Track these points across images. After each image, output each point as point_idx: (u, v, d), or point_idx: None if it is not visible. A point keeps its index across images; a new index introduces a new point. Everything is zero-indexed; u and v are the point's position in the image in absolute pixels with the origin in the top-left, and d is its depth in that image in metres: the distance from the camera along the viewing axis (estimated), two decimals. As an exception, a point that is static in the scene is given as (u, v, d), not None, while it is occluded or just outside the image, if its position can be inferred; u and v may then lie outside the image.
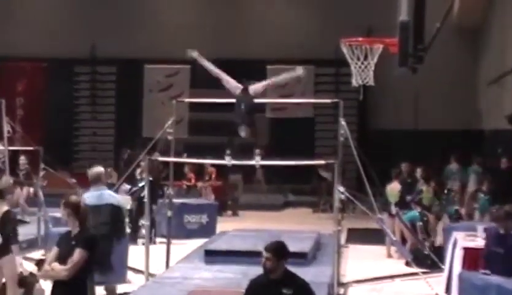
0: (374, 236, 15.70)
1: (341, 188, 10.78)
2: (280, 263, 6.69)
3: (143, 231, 13.32)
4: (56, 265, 6.84)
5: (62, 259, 6.87)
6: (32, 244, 14.46)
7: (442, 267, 12.20)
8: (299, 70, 11.01)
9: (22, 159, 18.04)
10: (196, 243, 14.96)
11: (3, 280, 9.18)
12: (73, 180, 15.96)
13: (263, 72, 20.72)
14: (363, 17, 23.27)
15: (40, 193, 14.98)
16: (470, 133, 24.21)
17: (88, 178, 9.92)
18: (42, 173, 15.46)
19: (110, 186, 13.17)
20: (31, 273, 9.53)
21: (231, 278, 11.08)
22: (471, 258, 10.50)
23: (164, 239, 13.24)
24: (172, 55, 25.65)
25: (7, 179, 11.52)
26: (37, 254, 12.71)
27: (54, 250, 7.04)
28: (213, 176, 21.02)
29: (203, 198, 19.80)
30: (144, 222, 12.75)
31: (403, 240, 14.59)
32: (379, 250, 15.22)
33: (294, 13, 26.42)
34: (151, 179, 12.31)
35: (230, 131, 10.84)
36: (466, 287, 9.46)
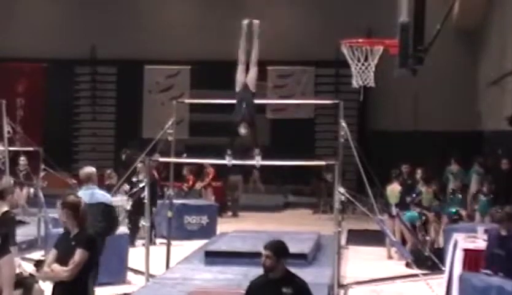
0: (374, 238, 15.69)
1: (341, 190, 10.78)
2: (280, 262, 6.66)
3: (143, 232, 13.32)
4: (56, 267, 6.78)
5: (62, 260, 6.81)
6: (32, 245, 14.47)
7: (443, 268, 12.18)
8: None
9: (22, 160, 18.04)
10: (196, 244, 14.96)
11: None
12: (74, 181, 15.92)
13: (264, 73, 20.68)
14: (363, 18, 23.28)
15: (40, 194, 14.97)
16: (470, 134, 24.17)
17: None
18: (42, 174, 15.47)
19: (110, 187, 13.18)
20: (30, 274, 9.51)
21: (231, 279, 11.09)
22: (472, 259, 10.48)
23: (165, 240, 13.24)
24: (173, 56, 25.73)
25: (8, 180, 11.51)
26: (37, 255, 12.69)
27: (53, 252, 6.96)
28: (211, 176, 20.92)
29: (203, 199, 19.79)
30: (144, 223, 12.74)
31: (403, 241, 14.58)
32: (379, 251, 15.21)
33: (295, 14, 26.36)
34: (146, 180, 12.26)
35: (230, 132, 10.84)
36: (467, 288, 9.45)
